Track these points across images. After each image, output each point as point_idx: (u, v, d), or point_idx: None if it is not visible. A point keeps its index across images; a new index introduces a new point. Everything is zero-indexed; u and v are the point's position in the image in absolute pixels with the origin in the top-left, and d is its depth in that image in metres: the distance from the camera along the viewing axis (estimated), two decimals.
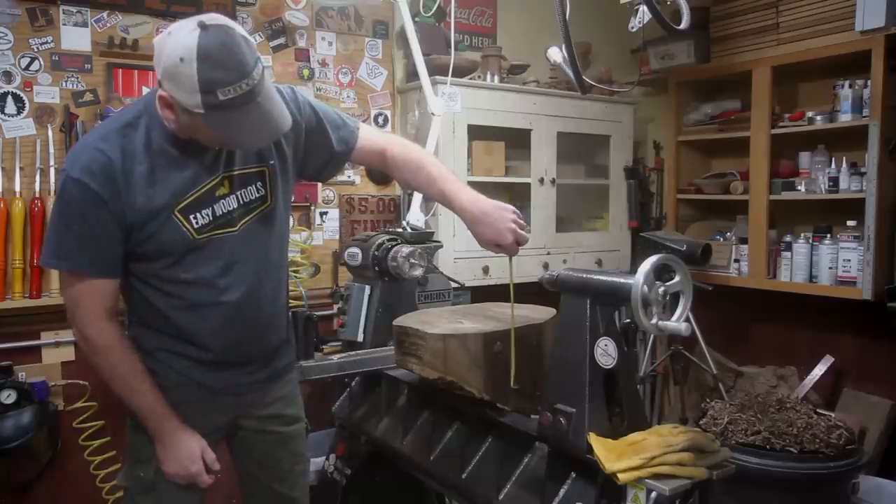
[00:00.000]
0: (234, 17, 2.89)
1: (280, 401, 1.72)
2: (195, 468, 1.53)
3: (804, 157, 3.30)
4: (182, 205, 1.43)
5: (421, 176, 1.69)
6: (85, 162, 1.37)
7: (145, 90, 2.73)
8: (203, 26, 1.27)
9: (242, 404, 1.66)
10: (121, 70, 2.70)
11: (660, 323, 1.27)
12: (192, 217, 1.45)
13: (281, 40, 3.05)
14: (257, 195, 1.54)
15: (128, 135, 1.40)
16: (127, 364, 1.47)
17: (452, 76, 2.88)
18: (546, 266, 3.40)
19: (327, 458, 2.19)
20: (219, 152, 1.48)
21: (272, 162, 1.56)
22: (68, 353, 2.60)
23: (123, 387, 1.48)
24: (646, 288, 1.25)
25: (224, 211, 1.49)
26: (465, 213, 1.59)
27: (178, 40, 1.26)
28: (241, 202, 1.52)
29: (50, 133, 2.54)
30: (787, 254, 3.22)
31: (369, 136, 1.74)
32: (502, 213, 1.56)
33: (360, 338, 2.17)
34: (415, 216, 2.51)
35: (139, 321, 1.56)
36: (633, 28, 2.36)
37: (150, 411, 1.50)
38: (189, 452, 1.53)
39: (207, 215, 1.47)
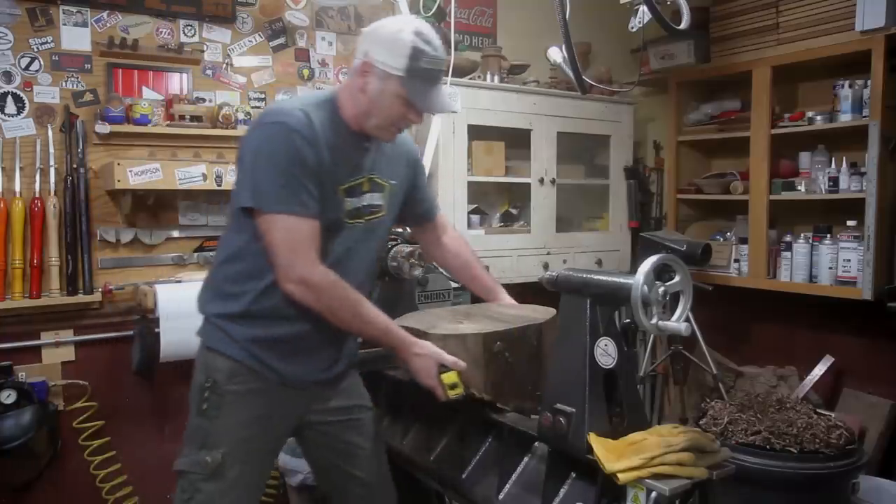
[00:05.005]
0: (234, 17, 2.89)
1: (347, 390, 1.79)
2: (431, 382, 1.58)
3: (804, 157, 3.30)
4: (345, 186, 1.63)
5: (466, 273, 1.99)
6: (297, 117, 1.53)
7: (145, 90, 2.73)
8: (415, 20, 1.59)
9: (318, 398, 1.73)
10: (121, 70, 2.70)
11: (660, 323, 1.28)
12: (347, 200, 1.64)
13: (281, 40, 3.05)
14: (379, 202, 1.74)
15: (319, 110, 1.59)
16: (352, 295, 1.57)
17: (452, 76, 2.88)
18: (546, 266, 3.39)
19: None
20: (367, 155, 1.67)
21: (394, 182, 1.76)
22: (68, 353, 2.60)
23: (354, 317, 1.58)
24: (646, 288, 1.25)
25: (362, 205, 1.68)
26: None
27: (397, 22, 1.61)
28: (370, 203, 1.71)
29: (50, 133, 2.54)
30: (787, 254, 3.22)
31: (443, 219, 2.01)
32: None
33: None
34: None
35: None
36: (633, 28, 2.36)
37: (388, 331, 1.61)
38: (427, 368, 1.58)
39: (354, 203, 1.66)
